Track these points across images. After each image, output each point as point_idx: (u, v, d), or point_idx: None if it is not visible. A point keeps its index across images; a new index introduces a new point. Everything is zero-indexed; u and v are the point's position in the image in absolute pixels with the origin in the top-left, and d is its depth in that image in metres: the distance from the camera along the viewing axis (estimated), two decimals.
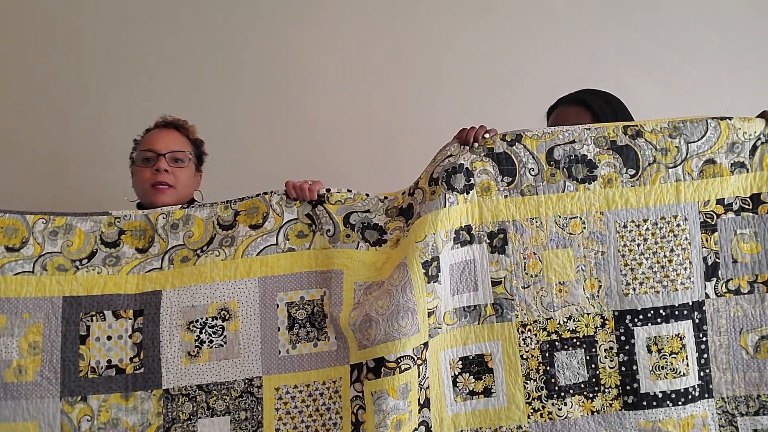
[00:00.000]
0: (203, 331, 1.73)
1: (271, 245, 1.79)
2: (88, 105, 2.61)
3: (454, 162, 1.75)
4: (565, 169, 1.74)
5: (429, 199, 1.76)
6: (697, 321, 1.72)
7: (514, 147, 1.76)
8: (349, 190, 1.84)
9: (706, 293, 1.72)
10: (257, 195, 1.84)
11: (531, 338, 1.71)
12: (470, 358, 1.75)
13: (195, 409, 1.70)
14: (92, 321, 1.72)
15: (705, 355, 1.72)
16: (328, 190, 1.83)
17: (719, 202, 1.74)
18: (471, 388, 1.74)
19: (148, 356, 1.72)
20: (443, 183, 1.74)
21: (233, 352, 1.73)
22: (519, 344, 1.71)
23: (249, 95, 2.62)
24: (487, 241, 1.74)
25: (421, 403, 1.70)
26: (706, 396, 1.71)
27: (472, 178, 1.74)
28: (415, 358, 1.66)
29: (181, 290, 1.76)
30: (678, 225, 1.73)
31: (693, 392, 1.70)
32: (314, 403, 1.72)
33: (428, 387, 1.71)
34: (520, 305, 1.71)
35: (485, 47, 2.59)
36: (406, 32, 2.60)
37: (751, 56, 2.22)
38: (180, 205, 1.84)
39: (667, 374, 1.71)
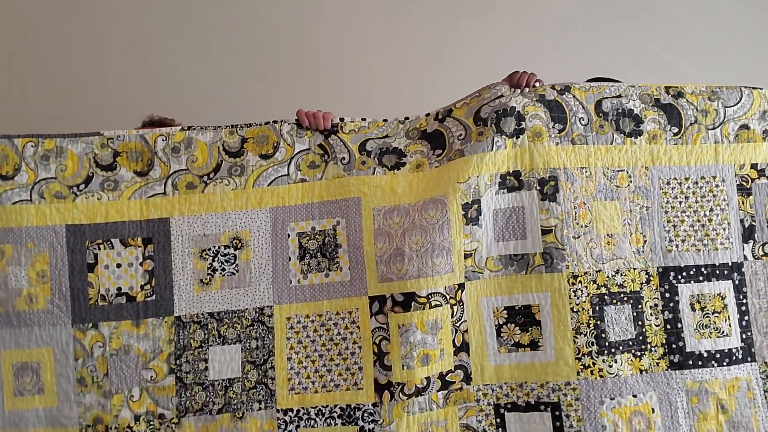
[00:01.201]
0: (216, 259, 1.71)
1: (282, 176, 1.73)
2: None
3: (505, 104, 1.69)
4: (613, 122, 1.72)
5: (475, 139, 1.69)
6: (737, 282, 1.71)
7: (564, 96, 1.72)
8: (364, 119, 1.77)
9: (744, 255, 1.72)
10: (266, 123, 1.75)
11: (581, 290, 1.63)
12: (516, 308, 1.65)
13: (206, 336, 1.68)
14: (99, 249, 1.68)
15: (746, 318, 1.70)
16: (341, 119, 1.76)
17: (753, 166, 1.77)
18: (516, 340, 1.64)
19: (159, 283, 1.69)
20: (492, 125, 1.68)
21: (245, 280, 1.71)
22: (569, 296, 1.61)
23: (248, 37, 2.50)
24: (538, 187, 1.67)
25: (458, 345, 1.65)
26: (749, 360, 1.68)
27: (523, 123, 1.68)
28: (448, 297, 1.63)
29: (191, 219, 1.71)
30: (716, 186, 1.74)
31: (737, 354, 1.67)
32: (327, 333, 1.69)
33: (466, 331, 1.65)
34: (570, 255, 1.63)
35: (486, 45, 2.60)
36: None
37: (751, 56, 2.35)
38: (180, 127, 1.74)
39: (711, 333, 1.67)
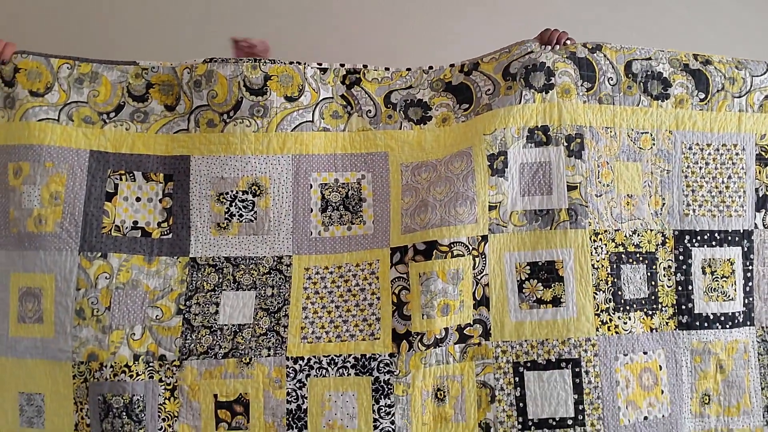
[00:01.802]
0: (233, 204, 1.66)
1: (307, 122, 1.68)
2: None
3: (535, 59, 1.67)
4: (641, 83, 1.72)
5: (504, 93, 1.68)
6: (745, 249, 1.75)
7: (595, 54, 1.71)
8: (387, 68, 1.72)
9: (755, 223, 1.77)
10: (290, 63, 1.67)
11: (602, 248, 1.65)
12: (540, 264, 1.65)
13: (220, 280, 1.63)
14: (121, 180, 1.63)
15: (750, 284, 1.75)
16: (365, 66, 1.71)
17: None
18: (539, 296, 1.65)
19: (177, 223, 1.64)
20: (521, 79, 1.66)
21: (263, 228, 1.66)
22: (591, 253, 1.64)
23: None
24: (565, 144, 1.67)
25: (477, 299, 1.63)
26: (749, 324, 1.74)
27: (552, 78, 1.67)
28: (470, 248, 1.62)
29: (210, 159, 1.66)
30: (737, 154, 1.77)
31: (738, 317, 1.73)
32: (346, 284, 1.65)
33: (487, 285, 1.64)
34: (593, 213, 1.65)
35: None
36: None
37: (748, 50, 2.36)
38: (203, 59, 1.66)
39: (718, 297, 1.72)
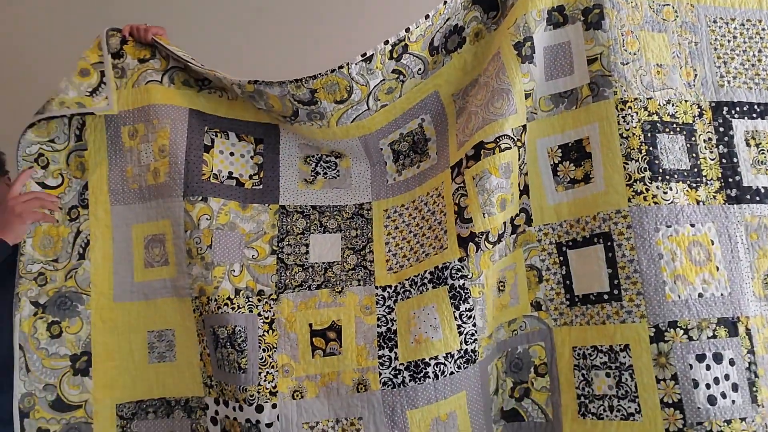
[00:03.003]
0: (318, 164, 1.79)
1: (363, 112, 1.69)
2: None
3: None
4: None
5: None
6: None
7: None
8: (426, 16, 1.61)
9: None
10: (332, 71, 1.60)
11: (632, 116, 1.53)
12: (569, 145, 1.58)
13: (308, 225, 1.73)
14: (216, 136, 1.74)
15: None
16: (407, 30, 1.60)
17: None
18: (572, 176, 1.56)
19: (267, 176, 1.75)
20: None
21: (345, 183, 1.78)
22: (618, 122, 1.52)
23: None
24: (581, 18, 1.59)
25: (521, 189, 1.58)
26: None
27: None
28: (515, 139, 1.55)
29: (294, 133, 1.78)
30: (763, 29, 1.66)
31: None
32: (419, 213, 1.69)
33: (526, 173, 1.59)
34: (618, 81, 1.55)
35: None
36: None
37: None
38: (248, 80, 1.65)
39: (767, 170, 1.58)
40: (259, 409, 1.55)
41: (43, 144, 1.65)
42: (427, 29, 1.62)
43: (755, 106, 1.62)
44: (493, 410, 1.57)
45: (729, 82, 1.63)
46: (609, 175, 1.51)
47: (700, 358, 1.41)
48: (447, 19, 1.65)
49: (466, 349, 1.50)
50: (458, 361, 1.50)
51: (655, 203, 1.48)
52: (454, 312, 1.50)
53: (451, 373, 1.49)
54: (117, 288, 1.66)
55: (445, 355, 1.50)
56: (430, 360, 1.50)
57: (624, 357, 1.45)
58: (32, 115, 1.63)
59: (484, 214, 1.51)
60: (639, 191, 1.49)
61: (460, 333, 1.50)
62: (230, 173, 1.72)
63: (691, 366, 1.40)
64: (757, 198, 1.56)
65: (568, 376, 1.54)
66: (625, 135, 1.52)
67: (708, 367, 1.41)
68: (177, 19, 2.38)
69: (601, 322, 1.48)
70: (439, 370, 1.50)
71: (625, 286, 1.46)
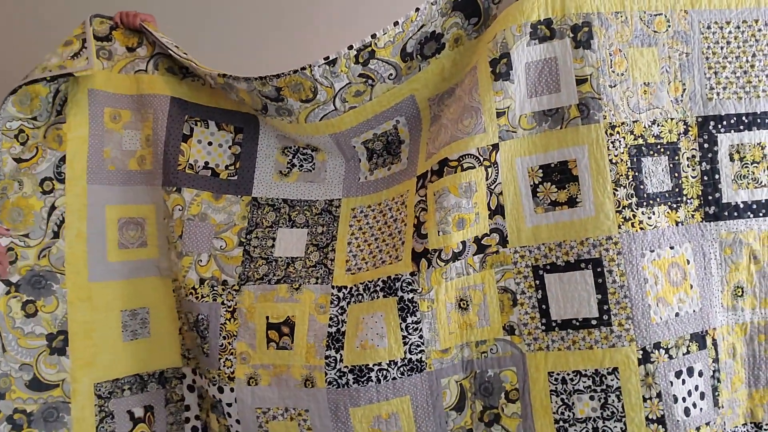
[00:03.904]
0: (296, 156, 1.82)
1: (330, 111, 1.70)
2: None
3: None
4: None
5: None
6: None
7: None
8: (396, 23, 1.59)
9: None
10: (294, 72, 1.60)
11: (619, 141, 1.55)
12: (552, 165, 1.58)
13: (277, 218, 1.79)
14: (196, 125, 1.78)
15: None
16: (373, 36, 1.58)
17: None
18: (553, 199, 1.58)
19: (243, 167, 1.79)
20: None
21: (320, 177, 1.82)
22: (607, 147, 1.54)
23: None
24: (570, 35, 1.55)
25: (492, 209, 1.60)
26: None
27: None
28: (481, 159, 1.57)
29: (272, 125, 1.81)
30: (759, 30, 1.63)
31: None
32: (383, 217, 1.74)
33: (501, 193, 1.59)
34: (607, 105, 1.55)
35: None
36: None
37: None
38: (218, 73, 1.69)
39: (748, 184, 1.62)
40: (220, 390, 1.70)
41: (25, 121, 1.66)
42: (397, 36, 1.60)
43: (743, 117, 1.62)
44: (452, 425, 1.62)
45: (718, 93, 1.62)
46: (600, 201, 1.54)
47: (678, 374, 1.53)
48: (421, 26, 1.61)
49: (411, 359, 1.58)
50: (402, 369, 1.58)
51: (641, 229, 1.54)
52: (401, 323, 1.57)
53: (394, 378, 1.58)
54: (92, 267, 1.69)
55: (388, 362, 1.58)
56: (373, 366, 1.59)
57: (612, 380, 1.52)
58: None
59: (438, 231, 1.55)
60: (627, 218, 1.54)
61: (405, 343, 1.58)
62: (206, 163, 1.77)
63: (671, 383, 1.51)
64: (735, 213, 1.62)
65: (544, 402, 1.58)
66: (614, 161, 1.55)
67: (683, 382, 1.53)
68: (175, 13, 2.30)
69: (587, 347, 1.54)
70: (382, 375, 1.58)
71: (614, 311, 1.52)
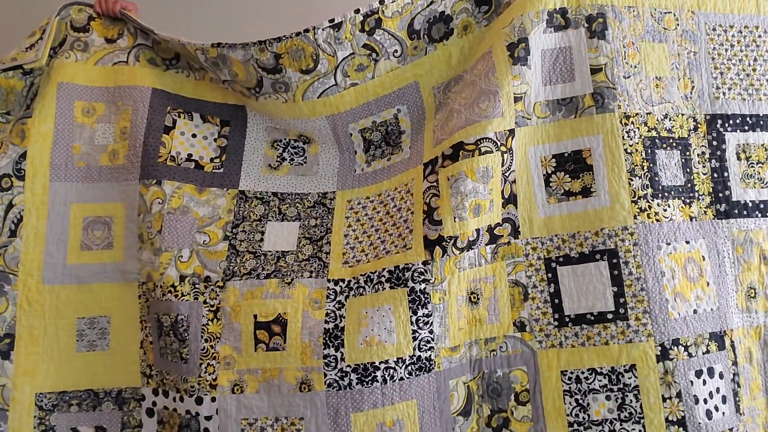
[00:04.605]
0: (286, 150, 1.74)
1: (330, 87, 1.62)
2: None
3: None
4: None
5: None
6: None
7: None
8: None
9: None
10: (297, 34, 1.55)
11: (634, 132, 1.52)
12: (566, 155, 1.54)
13: (266, 211, 1.67)
14: (179, 117, 1.69)
15: None
16: (381, 2, 1.55)
17: None
18: (567, 188, 1.53)
19: (229, 160, 1.70)
20: None
21: (311, 170, 1.73)
22: (623, 137, 1.51)
23: None
24: (585, 25, 1.54)
25: (506, 197, 1.53)
26: None
27: None
28: (498, 143, 1.50)
29: (262, 113, 1.73)
30: (759, 36, 1.67)
31: None
32: (384, 207, 1.64)
33: (514, 181, 1.54)
34: (622, 95, 1.53)
35: None
36: None
37: None
38: (211, 43, 1.60)
39: (755, 183, 1.62)
40: (199, 401, 1.51)
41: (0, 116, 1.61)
42: (405, 7, 1.56)
43: (747, 118, 1.64)
44: None
45: (724, 93, 1.63)
46: (615, 190, 1.49)
47: (698, 373, 1.46)
48: (431, 2, 1.58)
49: (420, 356, 1.46)
50: (409, 367, 1.46)
51: (657, 221, 1.50)
52: (411, 317, 1.46)
53: (401, 378, 1.45)
54: (47, 269, 1.59)
55: (396, 360, 1.46)
56: (379, 364, 1.46)
57: (629, 378, 1.45)
58: None
59: (455, 217, 1.47)
60: (643, 208, 1.49)
61: (415, 339, 1.46)
62: (189, 155, 1.67)
63: (692, 383, 1.44)
64: (745, 212, 1.60)
65: (557, 403, 1.49)
66: (629, 150, 1.51)
67: (704, 383, 1.46)
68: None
69: (603, 342, 1.47)
70: (389, 375, 1.46)
71: (631, 305, 1.46)
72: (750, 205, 1.60)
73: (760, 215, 1.60)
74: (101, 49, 1.68)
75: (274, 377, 1.50)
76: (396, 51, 1.59)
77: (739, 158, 1.62)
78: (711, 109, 1.62)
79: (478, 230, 1.48)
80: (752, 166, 1.62)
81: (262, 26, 2.20)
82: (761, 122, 1.64)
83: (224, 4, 2.34)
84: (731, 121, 1.62)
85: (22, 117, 1.61)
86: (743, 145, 1.63)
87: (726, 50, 1.65)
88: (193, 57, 1.65)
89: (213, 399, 1.50)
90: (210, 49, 1.58)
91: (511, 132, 1.52)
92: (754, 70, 1.66)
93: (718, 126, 1.62)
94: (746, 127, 1.63)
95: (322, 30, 1.52)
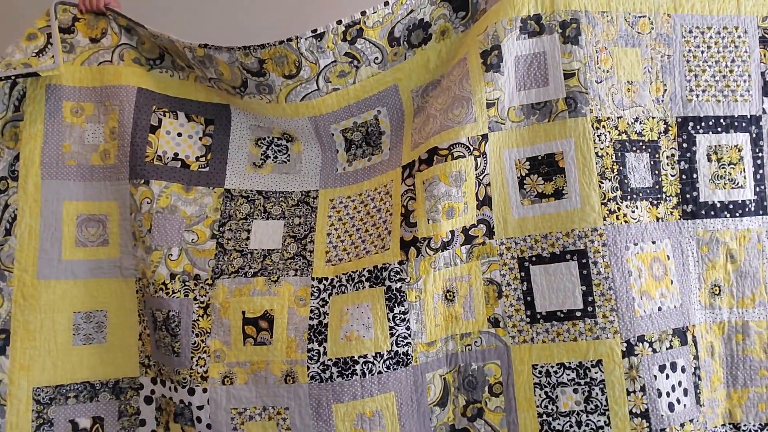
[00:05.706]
0: (269, 148, 1.79)
1: (313, 91, 1.68)
2: None
3: None
4: None
5: None
6: (754, 135, 1.68)
7: None
8: (386, 2, 1.60)
9: (763, 108, 1.69)
10: (280, 43, 1.59)
11: (605, 135, 1.58)
12: (539, 158, 1.59)
13: (252, 210, 1.73)
14: (164, 116, 1.73)
15: (761, 171, 1.68)
16: (363, 14, 1.59)
17: None
18: (540, 191, 1.59)
19: (214, 158, 1.75)
20: None
21: (295, 168, 1.79)
22: (594, 141, 1.56)
23: None
24: (559, 30, 1.59)
25: (481, 199, 1.60)
26: (761, 213, 1.67)
27: None
28: (471, 148, 1.57)
29: (246, 111, 1.77)
30: (738, 37, 1.69)
31: (749, 205, 1.67)
32: (365, 207, 1.70)
33: (489, 184, 1.60)
34: (594, 100, 1.57)
35: None
36: None
37: None
38: (198, 44, 1.64)
39: (725, 184, 1.66)
40: (191, 392, 1.61)
41: None
42: (386, 17, 1.61)
43: (721, 120, 1.67)
44: (435, 422, 1.59)
45: (698, 96, 1.67)
46: (586, 193, 1.55)
47: (662, 368, 1.54)
48: (410, 11, 1.63)
49: (397, 351, 1.54)
50: (387, 362, 1.54)
51: (625, 222, 1.56)
52: (388, 314, 1.54)
53: (379, 372, 1.53)
54: (42, 265, 1.63)
55: (374, 355, 1.54)
56: (358, 358, 1.54)
57: (596, 372, 1.52)
58: None
59: (428, 220, 1.54)
60: (612, 210, 1.56)
61: (392, 334, 1.54)
62: (176, 154, 1.71)
63: (655, 377, 1.52)
64: (712, 213, 1.65)
65: (528, 395, 1.57)
66: (600, 154, 1.57)
67: (667, 377, 1.54)
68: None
69: (571, 339, 1.54)
70: (367, 369, 1.53)
71: (599, 303, 1.53)
72: (718, 205, 1.65)
73: (728, 215, 1.65)
74: (86, 49, 1.71)
75: (261, 369, 1.60)
76: (377, 58, 1.65)
77: (709, 160, 1.66)
78: (683, 112, 1.66)
79: (452, 231, 1.56)
80: (723, 167, 1.66)
81: (252, 27, 2.28)
82: (735, 123, 1.68)
83: (215, 5, 2.38)
84: (703, 123, 1.66)
85: (13, 119, 1.65)
86: (714, 146, 1.67)
87: (702, 52, 1.68)
88: (181, 54, 1.70)
89: (204, 390, 1.60)
90: (197, 48, 1.63)
91: (485, 137, 1.58)
92: (731, 71, 1.68)
93: (689, 128, 1.66)
94: (719, 129, 1.67)
95: (305, 39, 1.58)
